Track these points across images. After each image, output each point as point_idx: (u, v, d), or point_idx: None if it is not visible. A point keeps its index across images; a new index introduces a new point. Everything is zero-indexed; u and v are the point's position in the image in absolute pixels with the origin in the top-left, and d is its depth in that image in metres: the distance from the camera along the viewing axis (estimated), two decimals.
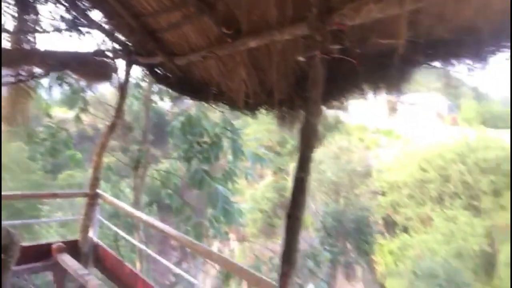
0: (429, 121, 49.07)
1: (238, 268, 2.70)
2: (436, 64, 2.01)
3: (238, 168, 4.47)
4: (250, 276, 2.54)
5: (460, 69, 1.94)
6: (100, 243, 3.82)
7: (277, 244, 24.04)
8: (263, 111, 2.81)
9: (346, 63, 2.10)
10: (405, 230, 25.57)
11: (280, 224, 29.49)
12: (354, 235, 17.69)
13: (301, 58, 2.15)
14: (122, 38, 3.49)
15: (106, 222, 4.28)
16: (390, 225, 26.75)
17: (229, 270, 3.61)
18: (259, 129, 33.17)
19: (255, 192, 32.79)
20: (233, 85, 2.69)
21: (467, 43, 1.80)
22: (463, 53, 1.84)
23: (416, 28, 1.86)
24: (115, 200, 4.23)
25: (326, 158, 23.67)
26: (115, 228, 4.32)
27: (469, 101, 46.58)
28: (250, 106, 2.80)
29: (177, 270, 3.11)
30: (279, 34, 2.22)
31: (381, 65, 2.01)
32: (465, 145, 26.04)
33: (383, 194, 27.26)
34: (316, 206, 22.09)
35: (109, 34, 3.46)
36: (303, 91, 2.25)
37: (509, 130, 39.78)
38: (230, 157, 4.29)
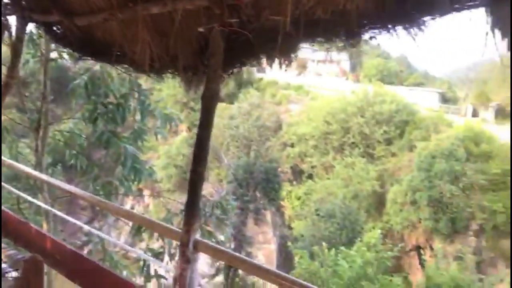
0: (335, 78, 52.46)
1: (147, 221, 2.88)
2: (319, 39, 2.33)
3: (148, 127, 4.51)
4: (159, 227, 2.76)
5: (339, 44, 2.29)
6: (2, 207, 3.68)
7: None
8: (169, 75, 2.91)
9: (243, 35, 2.31)
10: (310, 177, 27.96)
11: None
12: (263, 185, 18.97)
13: (201, 29, 2.30)
14: None
15: (6, 185, 4.07)
16: (298, 173, 28.96)
17: (139, 224, 3.79)
18: (175, 86, 32.28)
19: (170, 148, 32.45)
20: (137, 48, 2.73)
21: (341, 23, 2.14)
22: (338, 32, 2.18)
23: (300, 8, 2.13)
24: (13, 163, 4.01)
25: (239, 114, 24.24)
26: (16, 191, 4.13)
27: (370, 60, 50.49)
28: (155, 70, 2.88)
29: (88, 228, 3.18)
30: (180, 3, 2.32)
31: (272, 38, 2.26)
32: (364, 100, 28.63)
33: (292, 145, 29.12)
34: (228, 160, 22.88)
35: None
36: (206, 58, 2.41)
37: (402, 87, 44.33)
38: (138, 117, 4.30)
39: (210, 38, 2.21)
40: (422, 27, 2.09)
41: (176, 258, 2.42)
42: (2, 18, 3.01)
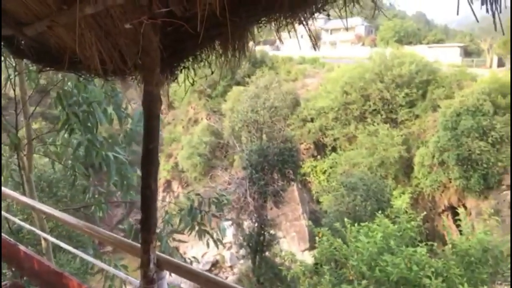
0: (350, 46, 50.86)
1: (107, 237, 2.65)
2: (263, 19, 2.12)
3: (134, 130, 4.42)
4: (121, 244, 2.55)
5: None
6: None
7: (218, 183, 24.79)
8: (125, 76, 2.77)
9: (181, 26, 2.13)
10: (334, 150, 27.55)
11: (219, 164, 30.19)
12: (279, 166, 18.80)
13: (128, 26, 2.13)
14: None
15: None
16: (321, 148, 28.57)
17: (101, 241, 3.71)
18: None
19: (191, 138, 32.73)
20: (86, 52, 2.60)
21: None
22: (278, 7, 1.96)
23: None
24: (6, 190, 3.84)
25: (246, 98, 23.96)
26: (5, 214, 4.00)
27: (386, 22, 48.49)
28: (109, 72, 2.75)
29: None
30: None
31: (214, 25, 2.06)
32: (382, 64, 27.60)
33: (312, 120, 28.65)
34: (241, 147, 22.77)
35: None
36: (139, 58, 2.24)
37: (421, 46, 42.45)
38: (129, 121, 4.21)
39: (141, 34, 2.04)
40: None
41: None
42: None
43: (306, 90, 32.75)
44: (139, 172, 4.66)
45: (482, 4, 1.43)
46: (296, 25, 2.15)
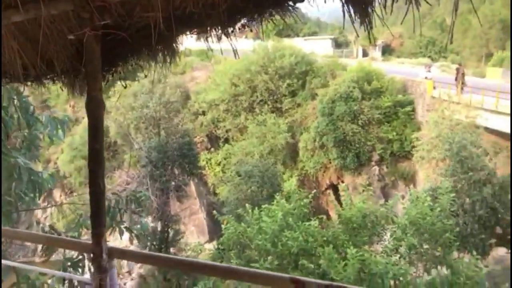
0: (235, 38, 52.24)
1: (54, 240, 2.74)
2: (194, 31, 2.43)
3: (40, 132, 4.19)
4: (68, 243, 2.68)
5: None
6: None
7: (116, 184, 23.42)
8: (49, 81, 2.77)
9: (119, 35, 2.30)
10: (227, 141, 28.45)
11: (108, 165, 28.48)
12: (179, 161, 18.90)
13: (70, 36, 2.23)
14: None
15: None
16: (214, 140, 29.22)
17: (46, 244, 3.65)
18: None
19: (73, 139, 30.06)
20: (6, 58, 2.55)
21: (212, 15, 2.25)
22: (210, 23, 2.29)
23: (171, 3, 2.19)
24: None
25: (141, 94, 23.26)
26: None
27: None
28: (32, 77, 2.72)
29: None
30: (45, 9, 2.21)
31: (149, 35, 2.29)
32: (265, 56, 29.27)
33: (203, 113, 29.04)
34: (139, 144, 22.11)
35: None
36: (83, 65, 2.35)
37: (298, 38, 45.84)
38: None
39: (84, 44, 2.17)
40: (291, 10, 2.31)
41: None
42: None
43: (195, 83, 32.87)
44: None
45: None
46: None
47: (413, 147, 21.84)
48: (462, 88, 21.59)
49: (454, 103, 20.39)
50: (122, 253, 2.29)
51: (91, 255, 2.10)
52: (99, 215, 2.15)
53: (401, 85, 25.24)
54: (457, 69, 23.34)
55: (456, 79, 22.31)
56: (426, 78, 24.68)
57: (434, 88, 23.29)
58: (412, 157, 22.33)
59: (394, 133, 23.89)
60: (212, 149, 29.02)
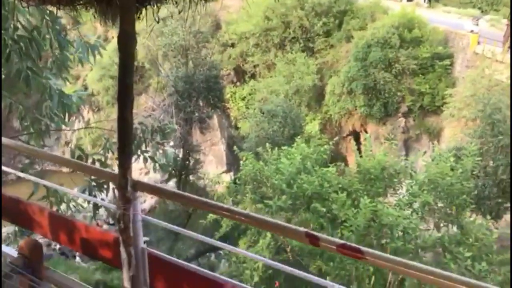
0: None
1: (81, 166, 2.80)
2: None
3: (70, 55, 4.19)
4: (94, 171, 2.76)
5: None
6: None
7: (141, 109, 23.86)
8: (81, 7, 2.68)
9: None
10: (253, 76, 28.03)
11: (134, 88, 28.68)
12: (205, 94, 18.85)
13: None
14: None
15: None
16: (240, 74, 28.81)
17: (73, 169, 3.83)
18: None
19: (101, 59, 30.13)
20: None
21: None
22: None
23: None
24: None
25: (172, 21, 22.59)
26: None
27: None
28: (65, 1, 2.64)
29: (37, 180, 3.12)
30: None
31: None
32: None
33: (232, 46, 28.32)
34: (166, 72, 21.94)
35: None
36: None
37: None
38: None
39: None
40: None
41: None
42: None
43: (227, 12, 31.62)
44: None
45: None
46: None
47: (445, 103, 21.02)
48: (509, 47, 20.06)
49: (497, 62, 19.11)
50: (146, 187, 2.37)
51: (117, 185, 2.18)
52: (126, 148, 2.19)
53: (442, 37, 23.62)
54: (508, 25, 21.51)
55: (504, 36, 20.66)
56: (471, 31, 22.94)
57: (479, 43, 21.72)
58: (442, 114, 21.61)
59: (427, 86, 22.90)
60: (238, 83, 28.74)
